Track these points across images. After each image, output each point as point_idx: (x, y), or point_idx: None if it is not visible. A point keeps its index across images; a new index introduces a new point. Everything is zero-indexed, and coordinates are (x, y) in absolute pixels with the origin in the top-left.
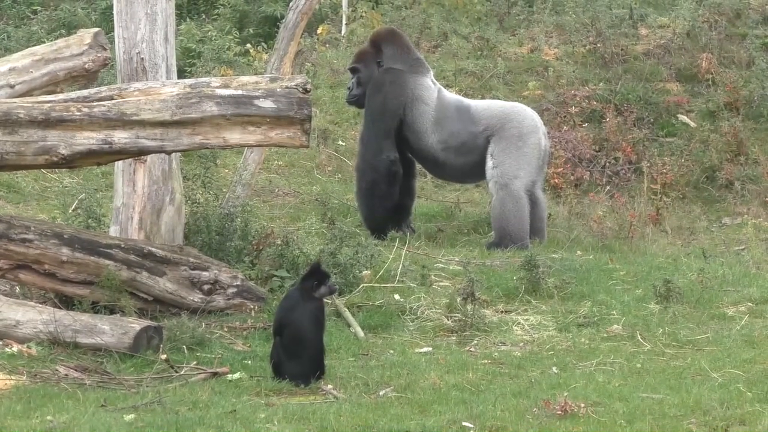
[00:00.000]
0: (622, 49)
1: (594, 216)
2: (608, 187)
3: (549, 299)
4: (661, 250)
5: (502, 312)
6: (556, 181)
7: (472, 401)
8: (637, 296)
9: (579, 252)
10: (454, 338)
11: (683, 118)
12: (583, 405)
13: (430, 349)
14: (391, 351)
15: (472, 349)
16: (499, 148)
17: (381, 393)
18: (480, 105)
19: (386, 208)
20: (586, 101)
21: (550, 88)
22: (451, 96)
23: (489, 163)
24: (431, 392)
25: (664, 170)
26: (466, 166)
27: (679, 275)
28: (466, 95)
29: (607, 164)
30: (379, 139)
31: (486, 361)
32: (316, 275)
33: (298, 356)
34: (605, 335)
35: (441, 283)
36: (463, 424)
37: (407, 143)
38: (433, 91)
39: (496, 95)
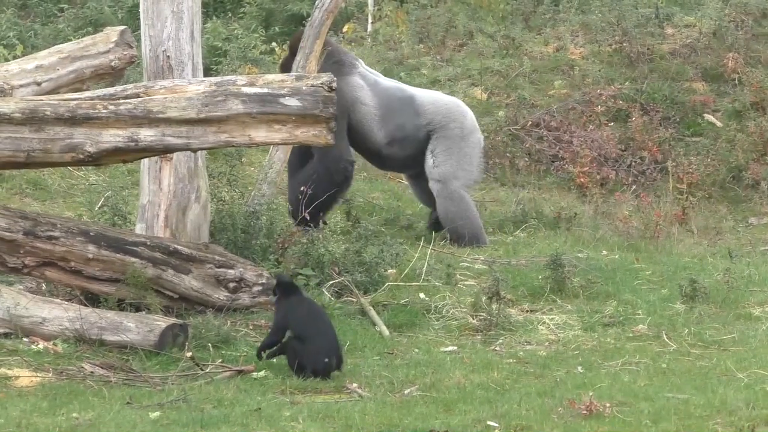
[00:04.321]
0: (648, 49)
1: (620, 215)
2: (634, 187)
3: (574, 298)
4: (687, 249)
5: (527, 311)
6: (582, 180)
7: (497, 400)
8: (662, 296)
9: (605, 251)
10: (479, 337)
11: (709, 117)
12: (608, 405)
13: (455, 348)
14: (416, 350)
15: (497, 348)
16: (441, 148)
17: (406, 392)
18: (425, 97)
19: (328, 208)
20: (612, 100)
21: (575, 87)
22: (391, 85)
23: (429, 161)
24: (456, 391)
25: (690, 170)
26: (408, 159)
27: (705, 275)
28: (492, 94)
29: (633, 163)
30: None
31: (511, 361)
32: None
33: (322, 346)
34: (631, 335)
35: (466, 282)
36: (488, 423)
37: (355, 143)
38: (367, 89)
39: (521, 94)
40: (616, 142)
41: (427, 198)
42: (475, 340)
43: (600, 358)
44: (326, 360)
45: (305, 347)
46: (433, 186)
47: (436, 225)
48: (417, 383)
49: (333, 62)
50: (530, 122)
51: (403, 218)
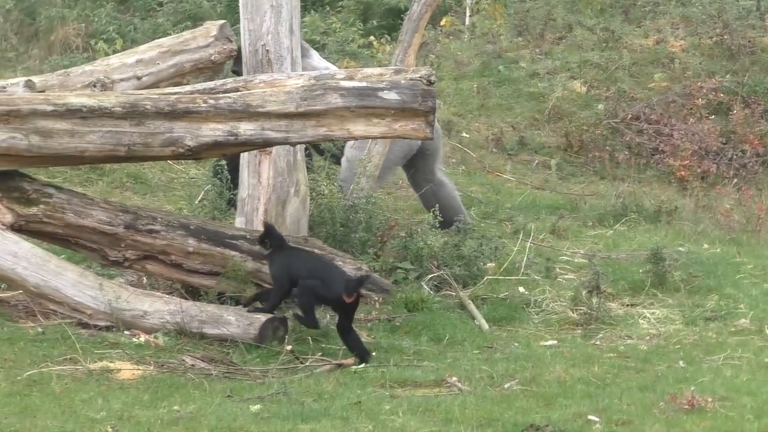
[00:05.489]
0: (749, 41)
1: (721, 209)
2: (735, 180)
3: (675, 293)
4: None
5: (627, 305)
6: (683, 173)
7: (598, 395)
8: (765, 290)
9: (706, 245)
10: (579, 331)
11: None
12: (710, 399)
13: (555, 342)
14: (516, 344)
15: (597, 343)
16: None
17: (506, 386)
18: None
19: None
20: (713, 93)
21: (676, 80)
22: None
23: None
24: (556, 385)
25: None
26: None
27: None
28: (591, 87)
29: (734, 157)
30: None
31: (612, 355)
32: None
33: (336, 273)
34: (733, 329)
35: (566, 276)
36: (589, 417)
37: None
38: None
39: (621, 87)
40: (716, 135)
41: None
42: (575, 335)
43: (702, 353)
44: (346, 281)
45: (322, 280)
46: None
47: None
48: (517, 377)
49: None
50: (630, 115)
51: (501, 211)
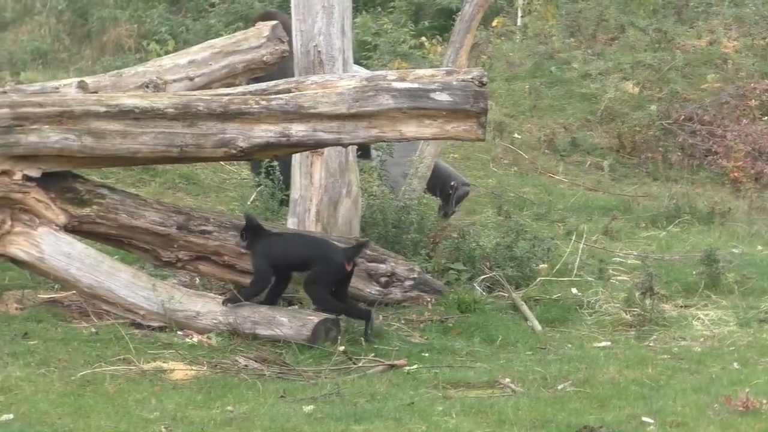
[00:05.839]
0: None
1: None
2: None
3: (729, 294)
4: None
5: (681, 307)
6: (736, 174)
7: (652, 396)
8: None
9: (760, 246)
10: (632, 333)
11: None
12: (765, 401)
13: (609, 343)
14: (569, 345)
15: (651, 344)
16: None
17: (559, 387)
18: None
19: None
20: (766, 94)
21: (729, 81)
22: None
23: None
24: (610, 387)
25: None
26: None
27: None
28: (644, 88)
29: None
30: None
31: (665, 356)
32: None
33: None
34: None
35: (619, 277)
36: (643, 419)
37: None
38: None
39: (674, 88)
40: None
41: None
42: (629, 336)
43: (756, 354)
44: (345, 250)
45: (321, 257)
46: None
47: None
48: (570, 379)
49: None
50: (683, 116)
51: (554, 213)
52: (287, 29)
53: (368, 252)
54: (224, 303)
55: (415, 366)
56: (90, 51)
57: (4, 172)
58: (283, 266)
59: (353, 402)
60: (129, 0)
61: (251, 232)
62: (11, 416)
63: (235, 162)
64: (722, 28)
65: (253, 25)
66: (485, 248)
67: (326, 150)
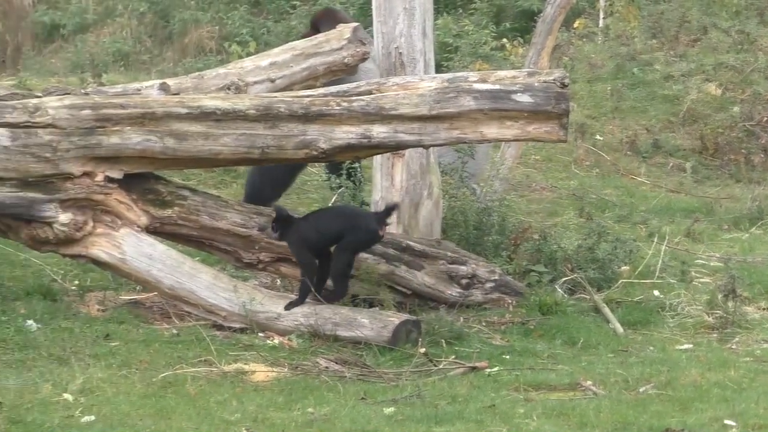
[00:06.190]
0: None
1: None
2: None
3: None
4: None
5: (764, 309)
6: None
7: (734, 399)
8: None
9: None
10: (714, 335)
11: None
12: None
13: (691, 345)
14: (651, 347)
15: (733, 347)
16: None
17: (641, 389)
18: None
19: None
20: None
21: None
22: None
23: None
24: (692, 389)
25: None
26: None
27: None
28: (726, 90)
29: None
30: None
31: (748, 359)
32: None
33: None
34: None
35: (701, 280)
36: (725, 422)
37: None
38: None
39: (756, 90)
40: None
41: None
42: (711, 338)
43: None
44: (375, 214)
45: (354, 226)
46: None
47: None
48: (652, 381)
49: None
50: (766, 118)
51: (636, 215)
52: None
53: (449, 254)
54: (286, 308)
55: (496, 368)
56: (171, 53)
57: (86, 174)
58: (321, 245)
59: (434, 404)
60: (210, 2)
61: (282, 223)
62: (93, 418)
63: (316, 164)
64: None
65: (312, 24)
66: (567, 250)
67: (407, 152)
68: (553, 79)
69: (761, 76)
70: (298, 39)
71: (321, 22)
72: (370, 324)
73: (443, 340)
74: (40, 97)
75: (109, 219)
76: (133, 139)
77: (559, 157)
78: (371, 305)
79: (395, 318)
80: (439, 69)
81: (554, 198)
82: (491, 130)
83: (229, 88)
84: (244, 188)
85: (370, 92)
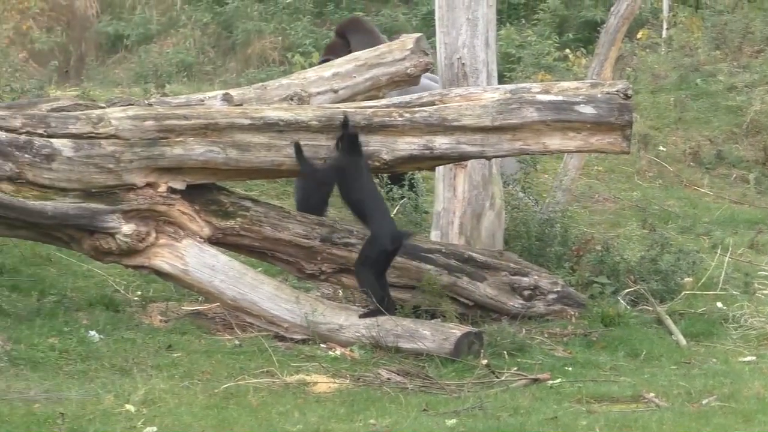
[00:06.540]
0: None
1: None
2: None
3: None
4: None
5: None
6: None
7: None
8: None
9: None
10: None
11: None
12: None
13: (754, 357)
14: (714, 359)
15: None
16: None
17: (704, 402)
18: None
19: None
20: None
21: None
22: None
23: None
24: (755, 402)
25: None
26: None
27: None
28: None
29: None
30: None
31: None
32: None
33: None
34: None
35: (765, 291)
36: None
37: None
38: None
39: None
40: None
41: None
42: None
43: None
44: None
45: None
46: None
47: None
48: (715, 393)
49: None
50: None
51: (699, 226)
52: (374, 37)
53: (512, 265)
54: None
55: (558, 380)
56: (234, 63)
57: (149, 185)
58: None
59: (496, 416)
60: (273, 12)
61: (349, 142)
62: (155, 429)
63: (378, 175)
64: None
65: (338, 33)
66: (629, 261)
67: (469, 162)
68: (616, 90)
69: None
70: (327, 48)
71: (348, 31)
72: (432, 336)
73: (505, 352)
74: (103, 107)
75: (171, 230)
76: (196, 150)
77: (622, 168)
78: (433, 316)
79: (457, 330)
80: (501, 80)
81: (617, 209)
82: (554, 142)
83: (291, 99)
84: (294, 194)
85: (432, 103)
